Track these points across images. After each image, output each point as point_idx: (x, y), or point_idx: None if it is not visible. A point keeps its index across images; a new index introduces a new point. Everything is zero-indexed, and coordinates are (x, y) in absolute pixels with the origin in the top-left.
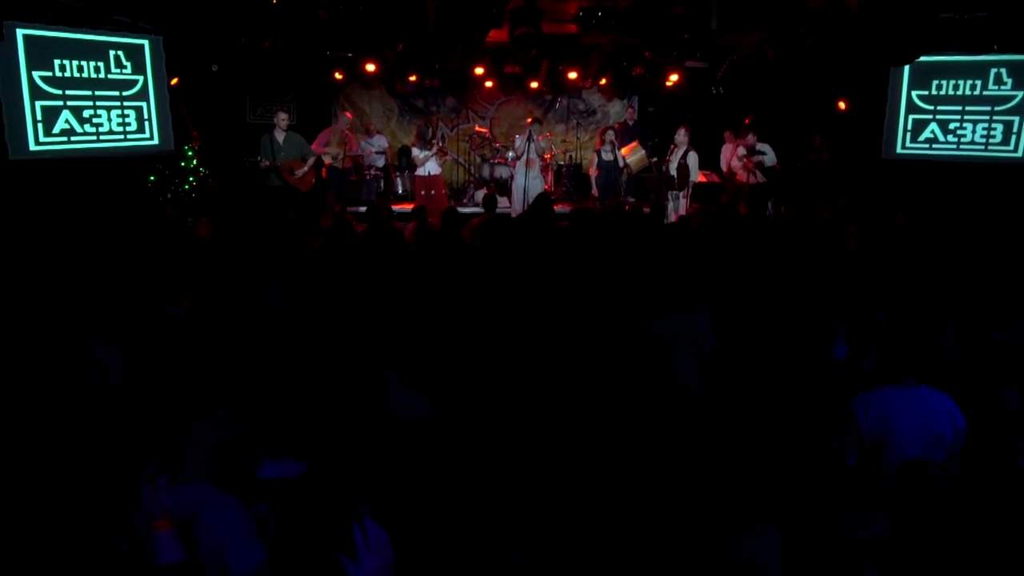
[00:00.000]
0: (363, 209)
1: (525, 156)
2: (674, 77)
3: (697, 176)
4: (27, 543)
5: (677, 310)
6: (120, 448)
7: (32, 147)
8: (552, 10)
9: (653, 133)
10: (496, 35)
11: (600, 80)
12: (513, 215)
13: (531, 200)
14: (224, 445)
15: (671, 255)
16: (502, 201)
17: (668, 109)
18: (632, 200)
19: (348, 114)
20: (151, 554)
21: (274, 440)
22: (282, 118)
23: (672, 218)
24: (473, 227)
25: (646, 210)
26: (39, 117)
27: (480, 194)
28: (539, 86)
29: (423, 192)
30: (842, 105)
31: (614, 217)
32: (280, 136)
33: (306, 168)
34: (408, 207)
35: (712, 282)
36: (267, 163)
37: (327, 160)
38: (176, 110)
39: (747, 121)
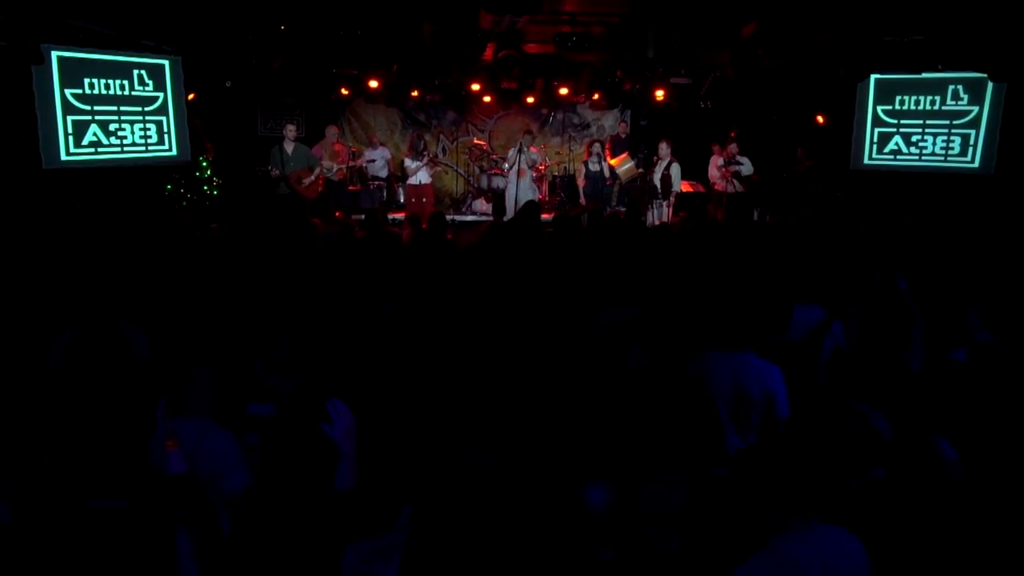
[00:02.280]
0: (363, 217)
1: (516, 167)
2: (659, 93)
3: (680, 186)
4: (79, 457)
5: (627, 302)
6: (148, 394)
7: (63, 157)
8: (541, 32)
9: (645, 145)
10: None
11: (593, 95)
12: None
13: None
14: (221, 390)
15: (628, 254)
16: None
17: (660, 122)
18: (621, 209)
19: (335, 127)
20: (164, 467)
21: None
22: (290, 130)
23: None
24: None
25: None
26: (70, 130)
27: (478, 203)
28: (535, 101)
29: (414, 200)
30: (820, 119)
31: (592, 223)
32: (289, 147)
33: (312, 177)
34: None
35: (659, 278)
36: (277, 172)
37: (324, 173)
38: (192, 123)
39: (732, 134)
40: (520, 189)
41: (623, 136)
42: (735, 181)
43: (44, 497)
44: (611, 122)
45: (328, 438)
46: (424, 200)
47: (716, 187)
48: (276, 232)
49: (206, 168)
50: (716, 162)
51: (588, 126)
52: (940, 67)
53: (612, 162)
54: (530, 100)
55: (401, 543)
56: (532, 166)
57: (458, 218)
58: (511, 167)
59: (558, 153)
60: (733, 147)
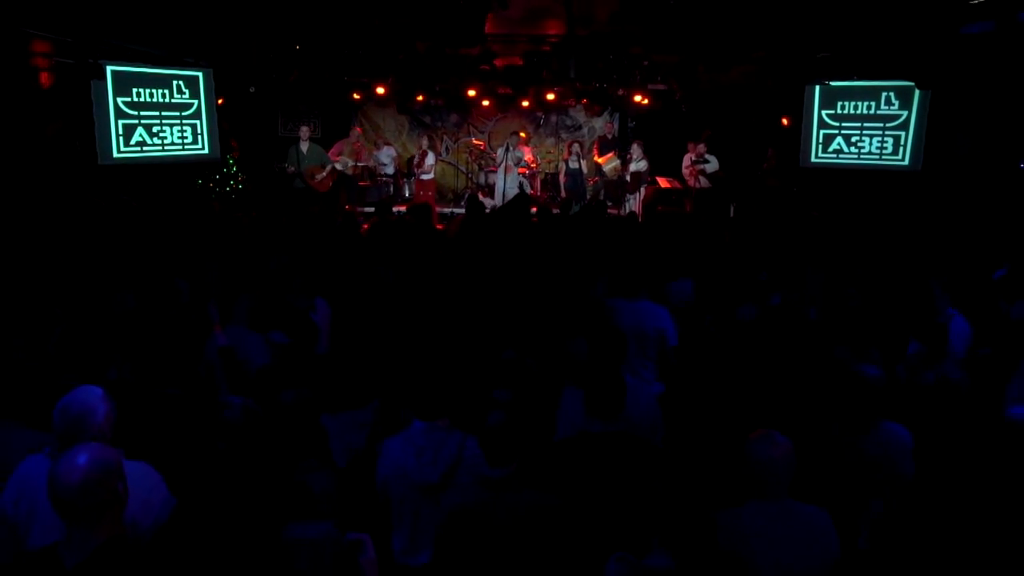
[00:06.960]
0: (369, 209)
1: (504, 163)
2: (637, 98)
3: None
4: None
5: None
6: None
7: (115, 155)
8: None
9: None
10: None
11: (582, 99)
12: None
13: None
14: (253, 307)
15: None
16: (491, 202)
17: (646, 124)
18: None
19: (358, 129)
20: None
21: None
22: (305, 131)
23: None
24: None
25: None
26: (120, 132)
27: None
28: (530, 105)
29: (421, 193)
30: (785, 121)
31: (562, 211)
32: (304, 147)
33: (324, 173)
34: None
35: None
36: (293, 169)
37: (339, 167)
38: (220, 125)
39: (705, 134)
40: (507, 183)
41: (610, 137)
42: (700, 178)
43: (127, 387)
44: (602, 124)
45: (313, 322)
46: (428, 194)
47: (689, 183)
48: (296, 219)
49: (232, 165)
50: (688, 159)
51: (580, 128)
52: (855, 77)
53: (600, 160)
54: (525, 104)
55: (370, 421)
56: (517, 163)
57: (457, 211)
58: (500, 164)
59: (549, 152)
60: (702, 147)
